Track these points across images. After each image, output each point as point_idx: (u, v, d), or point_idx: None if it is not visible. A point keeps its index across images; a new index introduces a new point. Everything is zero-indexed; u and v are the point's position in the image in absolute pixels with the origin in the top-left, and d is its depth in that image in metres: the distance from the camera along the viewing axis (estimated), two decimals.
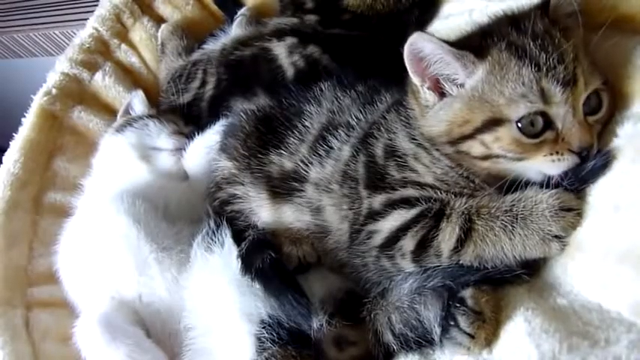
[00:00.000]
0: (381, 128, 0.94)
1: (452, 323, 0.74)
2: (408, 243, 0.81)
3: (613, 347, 0.62)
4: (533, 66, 0.75)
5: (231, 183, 1.08)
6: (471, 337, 0.72)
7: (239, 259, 0.96)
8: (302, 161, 1.00)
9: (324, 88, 1.09)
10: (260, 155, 1.05)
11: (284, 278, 0.92)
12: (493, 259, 0.76)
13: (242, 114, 1.14)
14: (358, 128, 0.99)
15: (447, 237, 0.77)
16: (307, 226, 0.99)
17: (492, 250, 0.75)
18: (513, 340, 0.69)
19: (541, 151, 0.76)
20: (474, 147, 0.80)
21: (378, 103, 1.01)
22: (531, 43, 0.76)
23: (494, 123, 0.78)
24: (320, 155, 0.99)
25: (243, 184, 1.06)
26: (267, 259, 0.93)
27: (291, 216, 1.00)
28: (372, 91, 1.04)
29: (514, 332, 0.69)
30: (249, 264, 0.95)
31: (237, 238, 1.00)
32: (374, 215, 0.87)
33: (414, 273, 0.82)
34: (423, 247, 0.80)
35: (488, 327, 0.73)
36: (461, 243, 0.76)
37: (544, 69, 0.74)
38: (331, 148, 0.99)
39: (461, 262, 0.77)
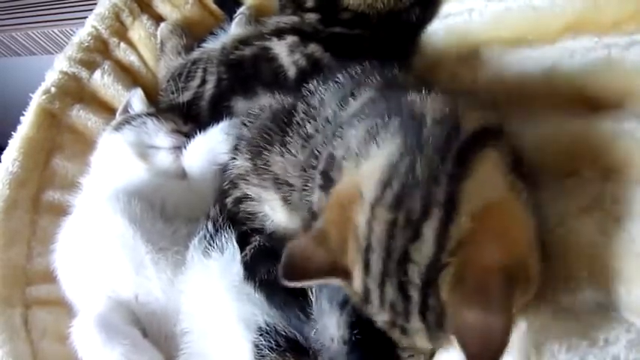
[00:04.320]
0: None
1: None
2: None
3: (612, 347, 0.62)
4: None
5: (246, 181, 1.07)
6: None
7: (242, 265, 0.96)
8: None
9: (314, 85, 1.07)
10: (265, 154, 1.03)
11: (289, 292, 0.89)
12: None
13: (245, 117, 1.15)
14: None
15: None
16: None
17: None
18: (513, 338, 0.68)
19: None
20: None
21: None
22: None
23: None
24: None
25: (255, 186, 1.05)
26: (273, 271, 0.92)
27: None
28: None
29: (514, 332, 0.69)
30: (253, 272, 0.94)
31: (242, 241, 1.00)
32: None
33: None
34: None
35: None
36: None
37: None
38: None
39: None
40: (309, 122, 0.96)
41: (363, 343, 0.78)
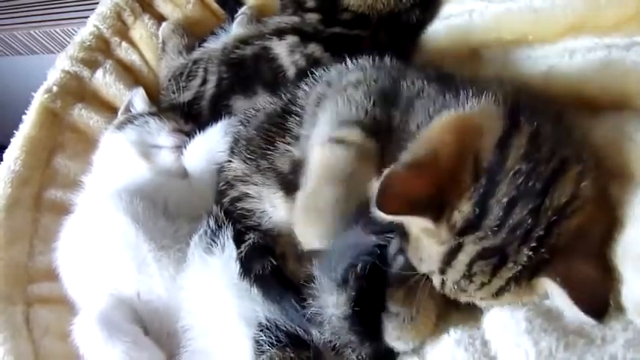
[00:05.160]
0: None
1: None
2: None
3: (609, 346, 0.63)
4: None
5: (244, 182, 1.07)
6: None
7: (238, 262, 0.97)
8: (305, 139, 0.99)
9: (317, 75, 1.09)
10: (268, 152, 1.04)
11: (285, 284, 0.92)
12: None
13: (240, 121, 1.15)
14: None
15: None
16: None
17: None
18: (513, 336, 0.69)
19: None
20: None
21: None
22: None
23: None
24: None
25: (256, 185, 1.06)
26: (268, 266, 0.93)
27: None
28: None
29: (515, 330, 0.70)
30: (249, 268, 0.95)
31: (238, 239, 1.00)
32: None
33: None
34: None
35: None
36: None
37: None
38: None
39: None
40: None
41: (363, 318, 0.80)
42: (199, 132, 1.23)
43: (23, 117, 1.36)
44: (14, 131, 1.34)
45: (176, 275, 1.04)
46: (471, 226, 0.67)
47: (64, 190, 1.31)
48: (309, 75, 1.10)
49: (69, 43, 1.52)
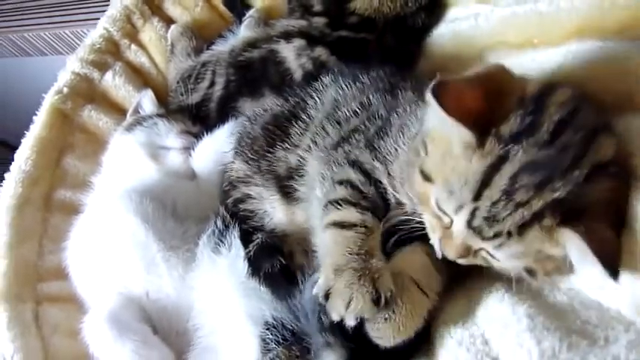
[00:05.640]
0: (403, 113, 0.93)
1: None
2: None
3: (612, 346, 0.63)
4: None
5: (246, 183, 1.09)
6: None
7: (246, 262, 0.98)
8: (304, 150, 1.02)
9: (326, 82, 1.11)
10: (268, 154, 1.06)
11: (293, 284, 0.93)
12: None
13: (248, 118, 1.17)
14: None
15: None
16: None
17: None
18: (515, 335, 0.70)
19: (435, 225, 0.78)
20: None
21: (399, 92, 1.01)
22: None
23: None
24: (324, 133, 1.01)
25: (257, 185, 1.07)
26: (277, 265, 0.95)
27: (301, 216, 1.02)
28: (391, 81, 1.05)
29: (516, 328, 0.70)
30: (257, 268, 0.96)
31: (245, 239, 1.02)
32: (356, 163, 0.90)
33: None
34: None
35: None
36: None
37: None
38: (337, 124, 1.00)
39: None
40: None
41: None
42: (207, 133, 1.24)
43: (34, 118, 1.37)
44: (25, 132, 1.36)
45: (185, 275, 1.06)
46: (522, 133, 0.67)
47: (74, 190, 1.33)
48: (317, 80, 1.12)
49: (78, 44, 1.53)
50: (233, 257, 1.00)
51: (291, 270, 0.95)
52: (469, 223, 0.70)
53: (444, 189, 0.71)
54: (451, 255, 0.76)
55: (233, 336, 0.95)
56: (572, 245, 0.65)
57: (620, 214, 0.69)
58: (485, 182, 0.67)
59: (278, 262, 0.95)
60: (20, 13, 2.29)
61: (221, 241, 1.03)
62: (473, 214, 0.69)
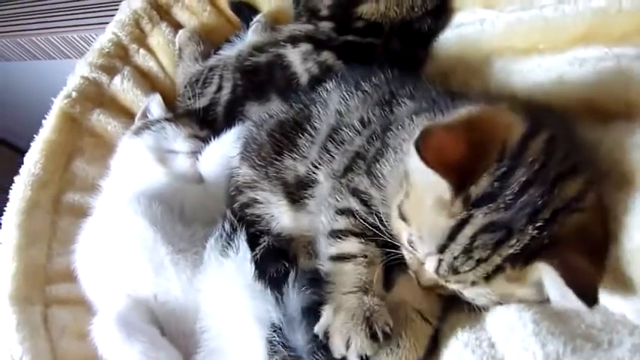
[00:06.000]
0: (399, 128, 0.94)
1: None
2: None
3: (616, 350, 0.63)
4: None
5: (252, 188, 1.10)
6: None
7: (253, 264, 0.99)
8: (312, 164, 1.03)
9: (329, 88, 1.12)
10: (276, 162, 1.07)
11: None
12: None
13: (254, 123, 1.17)
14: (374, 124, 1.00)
15: None
16: None
17: None
18: (521, 339, 0.70)
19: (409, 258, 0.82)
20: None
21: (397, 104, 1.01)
22: None
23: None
24: (328, 155, 1.01)
25: (264, 191, 1.08)
26: (282, 269, 0.96)
27: (307, 222, 1.02)
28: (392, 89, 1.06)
29: (522, 332, 0.71)
30: (264, 271, 0.97)
31: (252, 242, 1.03)
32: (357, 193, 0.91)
33: None
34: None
35: None
36: None
37: None
38: (340, 145, 1.01)
39: None
40: None
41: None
42: (214, 137, 1.25)
43: (43, 122, 1.38)
44: (34, 135, 1.37)
45: (192, 278, 1.06)
46: (486, 199, 0.69)
47: (82, 194, 1.34)
48: (321, 85, 1.13)
49: (86, 48, 1.55)
50: (240, 259, 1.00)
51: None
52: (436, 270, 0.74)
53: (417, 233, 0.76)
54: (425, 286, 0.81)
55: (240, 338, 0.95)
56: (547, 276, 0.68)
57: (596, 238, 0.72)
58: (450, 237, 0.71)
59: (283, 266, 0.96)
60: (29, 17, 2.31)
61: (228, 243, 1.03)
62: (439, 262, 0.73)
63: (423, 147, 0.69)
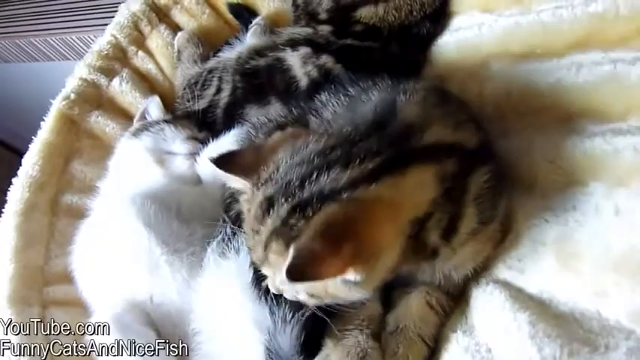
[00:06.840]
0: None
1: None
2: None
3: (612, 354, 0.64)
4: None
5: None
6: None
7: (251, 269, 0.98)
8: None
9: (324, 99, 1.11)
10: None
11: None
12: None
13: (252, 125, 1.17)
14: None
15: None
16: None
17: None
18: (516, 342, 0.70)
19: None
20: None
21: None
22: None
23: None
24: None
25: None
26: None
27: None
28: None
29: (517, 335, 0.71)
30: (259, 278, 0.96)
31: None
32: None
33: None
34: None
35: None
36: None
37: None
38: None
39: None
40: None
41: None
42: (213, 140, 1.25)
43: (41, 123, 1.38)
44: (32, 137, 1.37)
45: (190, 279, 1.06)
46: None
47: (80, 195, 1.34)
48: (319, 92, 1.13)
49: (85, 50, 1.55)
50: (241, 261, 1.00)
51: None
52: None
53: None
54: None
55: (237, 342, 0.94)
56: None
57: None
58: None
59: None
60: (27, 19, 2.31)
61: (228, 246, 1.03)
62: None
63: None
